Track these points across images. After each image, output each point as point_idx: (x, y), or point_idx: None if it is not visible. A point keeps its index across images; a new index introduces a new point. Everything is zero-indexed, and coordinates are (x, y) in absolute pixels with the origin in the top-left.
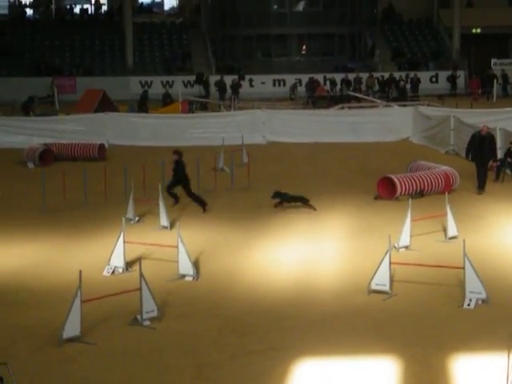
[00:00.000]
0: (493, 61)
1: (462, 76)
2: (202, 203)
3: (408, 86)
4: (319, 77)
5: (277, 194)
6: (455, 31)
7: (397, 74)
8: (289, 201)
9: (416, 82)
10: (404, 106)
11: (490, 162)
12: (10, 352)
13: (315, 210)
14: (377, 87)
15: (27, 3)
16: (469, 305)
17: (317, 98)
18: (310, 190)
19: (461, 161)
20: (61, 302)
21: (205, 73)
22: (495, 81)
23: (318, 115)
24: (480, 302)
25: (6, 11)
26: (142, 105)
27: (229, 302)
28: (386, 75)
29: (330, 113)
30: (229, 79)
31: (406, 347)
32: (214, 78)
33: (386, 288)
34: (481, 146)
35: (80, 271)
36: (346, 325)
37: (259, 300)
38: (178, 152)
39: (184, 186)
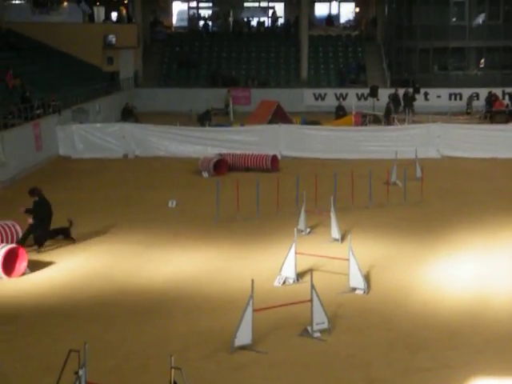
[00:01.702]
0: None
1: None
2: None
3: None
4: (497, 91)
5: None
6: None
7: None
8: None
9: None
10: None
11: None
12: (183, 357)
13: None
14: None
15: (206, 16)
16: None
17: (494, 113)
18: (485, 206)
19: None
20: (233, 309)
21: (379, 86)
22: None
23: (495, 130)
24: None
25: (185, 23)
26: (204, 118)
27: (400, 317)
28: None
29: (509, 128)
30: (402, 92)
31: None
32: (388, 91)
33: None
34: None
35: (252, 280)
36: None
37: (432, 316)
38: (35, 190)
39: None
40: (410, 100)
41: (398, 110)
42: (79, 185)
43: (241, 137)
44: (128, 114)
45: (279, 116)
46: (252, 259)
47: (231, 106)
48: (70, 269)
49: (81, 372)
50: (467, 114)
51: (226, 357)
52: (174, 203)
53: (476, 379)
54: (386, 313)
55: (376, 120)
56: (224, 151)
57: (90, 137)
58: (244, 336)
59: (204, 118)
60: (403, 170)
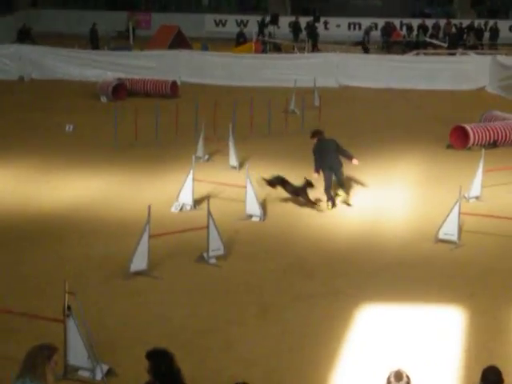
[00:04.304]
0: None
1: None
2: None
3: (487, 35)
4: (396, 22)
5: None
6: None
7: (476, 22)
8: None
9: (495, 31)
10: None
11: None
12: (78, 282)
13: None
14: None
15: None
16: None
17: (392, 43)
18: (381, 135)
19: None
20: (129, 235)
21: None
22: None
23: (392, 60)
24: None
25: None
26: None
27: (295, 243)
28: (465, 22)
29: (405, 59)
30: (304, 21)
31: (471, 298)
32: (288, 19)
33: (454, 238)
34: None
35: (149, 206)
36: (411, 272)
37: (326, 242)
38: None
39: None
40: (310, 28)
41: (298, 39)
42: None
43: (140, 62)
44: (25, 36)
45: (180, 41)
46: (150, 186)
47: (131, 29)
48: None
49: None
50: (360, 44)
51: (121, 282)
52: (72, 128)
53: (366, 305)
54: (281, 239)
55: (276, 48)
56: (123, 76)
57: None
58: (140, 262)
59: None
60: (301, 99)
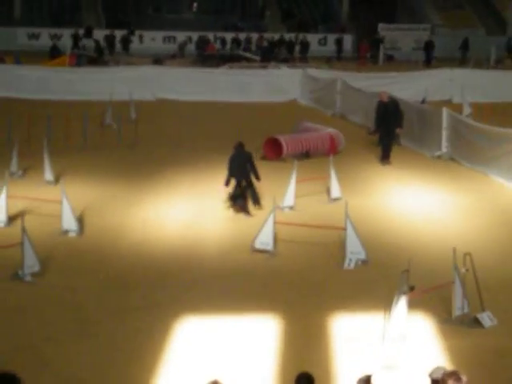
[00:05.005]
0: (379, 25)
1: (348, 40)
2: None
3: (297, 48)
4: (210, 35)
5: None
6: None
7: (286, 36)
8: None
9: (305, 44)
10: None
11: (397, 130)
12: None
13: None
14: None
15: None
16: (349, 265)
17: (206, 57)
18: (197, 147)
19: (346, 123)
20: None
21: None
22: (381, 45)
23: (206, 73)
24: (360, 263)
25: None
26: None
27: (113, 258)
28: (276, 36)
29: (219, 71)
30: (119, 34)
31: (286, 306)
32: (103, 33)
33: (270, 247)
34: (385, 115)
35: None
36: (229, 283)
37: (144, 257)
38: None
39: None
40: (125, 42)
41: (113, 52)
42: None
43: None
44: None
45: None
46: None
47: None
48: None
49: None
50: (178, 57)
51: None
52: None
53: (183, 316)
54: (99, 254)
55: (91, 61)
56: None
57: None
58: None
59: None
60: (118, 112)
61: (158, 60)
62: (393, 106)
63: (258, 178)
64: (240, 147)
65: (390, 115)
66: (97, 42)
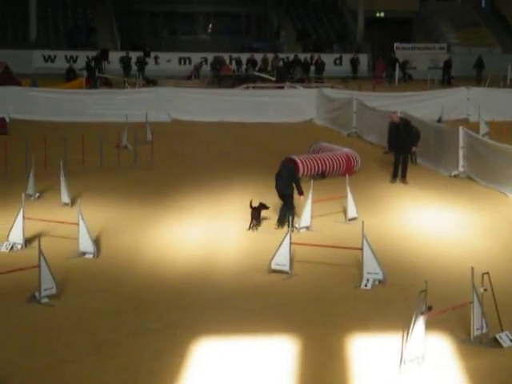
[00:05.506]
0: (395, 45)
1: (364, 59)
2: None
3: (312, 68)
4: (225, 56)
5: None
6: (359, 14)
7: (302, 56)
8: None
9: (320, 64)
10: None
11: (413, 148)
12: None
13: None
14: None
15: None
16: (366, 285)
17: (222, 78)
18: (212, 169)
19: (362, 143)
20: None
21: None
22: (397, 65)
23: (222, 94)
24: (377, 283)
25: None
26: None
27: (129, 280)
28: (291, 56)
29: (235, 92)
30: (134, 56)
31: (303, 326)
32: (118, 54)
33: (286, 268)
34: (398, 134)
35: None
36: (245, 304)
37: (160, 278)
38: None
39: None
40: (140, 63)
41: (129, 74)
42: None
43: None
44: None
45: (7, 78)
46: None
47: None
48: None
49: None
50: (195, 78)
51: None
52: None
53: (200, 338)
54: (115, 276)
55: (107, 83)
56: None
57: None
58: None
59: None
60: (134, 134)
61: (151, 81)
62: (404, 126)
63: (300, 192)
64: (287, 161)
65: (403, 135)
66: (87, 61)
